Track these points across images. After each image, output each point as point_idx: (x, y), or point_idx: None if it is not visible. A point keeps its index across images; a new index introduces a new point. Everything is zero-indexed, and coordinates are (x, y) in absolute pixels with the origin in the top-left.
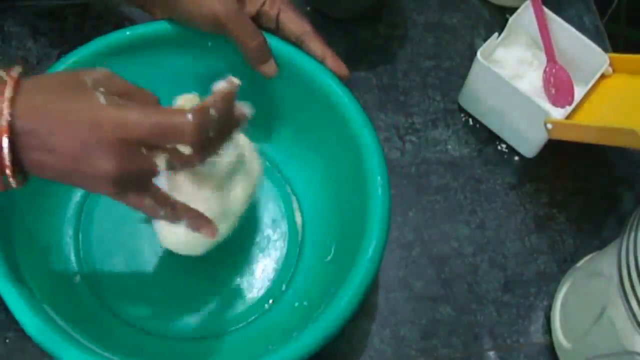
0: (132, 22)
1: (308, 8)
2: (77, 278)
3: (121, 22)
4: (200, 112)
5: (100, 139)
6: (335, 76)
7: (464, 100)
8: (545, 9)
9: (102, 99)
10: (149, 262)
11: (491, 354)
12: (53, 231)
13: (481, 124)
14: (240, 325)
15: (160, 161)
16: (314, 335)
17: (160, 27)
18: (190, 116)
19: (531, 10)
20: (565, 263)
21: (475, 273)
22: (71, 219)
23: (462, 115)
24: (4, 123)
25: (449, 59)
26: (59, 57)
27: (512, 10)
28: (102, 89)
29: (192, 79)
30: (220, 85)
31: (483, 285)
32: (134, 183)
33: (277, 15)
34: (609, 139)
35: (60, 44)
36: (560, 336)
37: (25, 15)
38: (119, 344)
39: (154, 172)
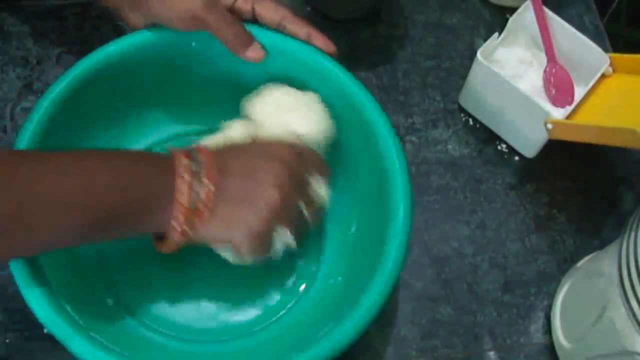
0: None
1: (308, 8)
2: (98, 282)
3: (121, 22)
4: None
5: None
6: (324, 52)
7: (464, 100)
8: (545, 9)
9: None
10: (172, 260)
11: (491, 354)
12: None
13: (481, 124)
14: (280, 314)
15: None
16: (369, 306)
17: (143, 36)
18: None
19: (531, 10)
20: (565, 263)
21: (475, 273)
22: None
23: (462, 115)
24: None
25: (449, 59)
26: (59, 57)
27: (512, 10)
28: None
29: (183, 82)
30: None
31: (483, 285)
32: (289, 215)
33: (252, 7)
34: (609, 139)
35: (60, 44)
36: (560, 336)
37: (25, 15)
38: (153, 352)
39: (311, 205)
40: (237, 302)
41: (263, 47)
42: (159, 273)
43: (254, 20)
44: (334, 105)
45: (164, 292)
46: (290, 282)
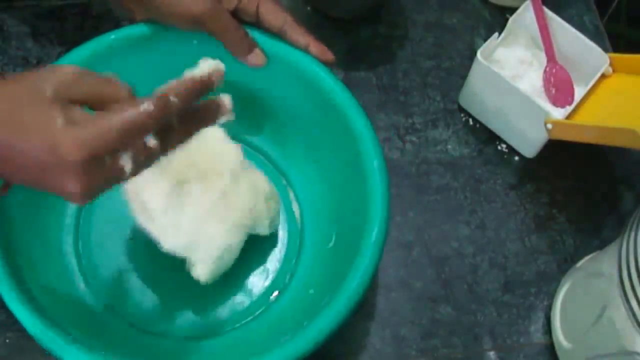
0: (132, 22)
1: (308, 8)
2: (79, 281)
3: (121, 22)
4: (159, 100)
5: (60, 162)
6: (321, 62)
7: (464, 100)
8: (545, 9)
9: (59, 120)
10: (150, 262)
11: (491, 354)
12: (52, 238)
13: (481, 124)
14: (248, 319)
15: (127, 162)
16: (326, 321)
17: (144, 29)
18: (147, 105)
19: (531, 10)
20: (565, 263)
21: (475, 273)
22: (70, 226)
23: (462, 115)
24: None
25: (449, 59)
26: (59, 57)
27: (512, 10)
28: (63, 97)
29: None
30: (198, 70)
31: (483, 285)
32: (103, 189)
33: (257, 8)
34: (609, 139)
35: (60, 44)
36: (560, 336)
37: (25, 15)
38: (124, 346)
39: (122, 177)
40: (204, 303)
41: (264, 52)
42: (135, 268)
43: (256, 20)
44: (320, 118)
45: (136, 286)
46: (262, 289)
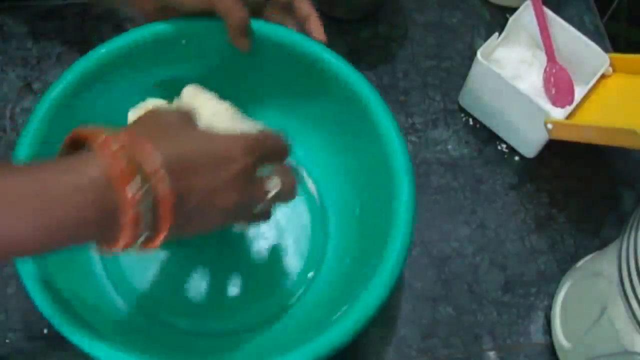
0: (133, 22)
1: None
2: (104, 278)
3: (121, 22)
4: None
5: (233, 160)
6: (313, 39)
7: (464, 100)
8: (546, 9)
9: (220, 132)
10: (185, 261)
11: (491, 354)
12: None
13: (481, 124)
14: (290, 303)
15: (272, 187)
16: (383, 283)
17: (135, 36)
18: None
19: (531, 10)
20: (565, 263)
21: (475, 273)
22: None
23: (462, 115)
24: (167, 190)
25: (449, 59)
26: (58, 57)
27: (512, 10)
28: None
29: (172, 83)
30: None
31: (483, 285)
32: (244, 210)
33: None
34: (609, 139)
35: (60, 44)
36: (560, 336)
37: (25, 15)
38: (171, 348)
39: (260, 200)
40: (244, 295)
41: (252, 41)
42: (166, 267)
43: None
44: (331, 91)
45: (170, 287)
46: (298, 271)
